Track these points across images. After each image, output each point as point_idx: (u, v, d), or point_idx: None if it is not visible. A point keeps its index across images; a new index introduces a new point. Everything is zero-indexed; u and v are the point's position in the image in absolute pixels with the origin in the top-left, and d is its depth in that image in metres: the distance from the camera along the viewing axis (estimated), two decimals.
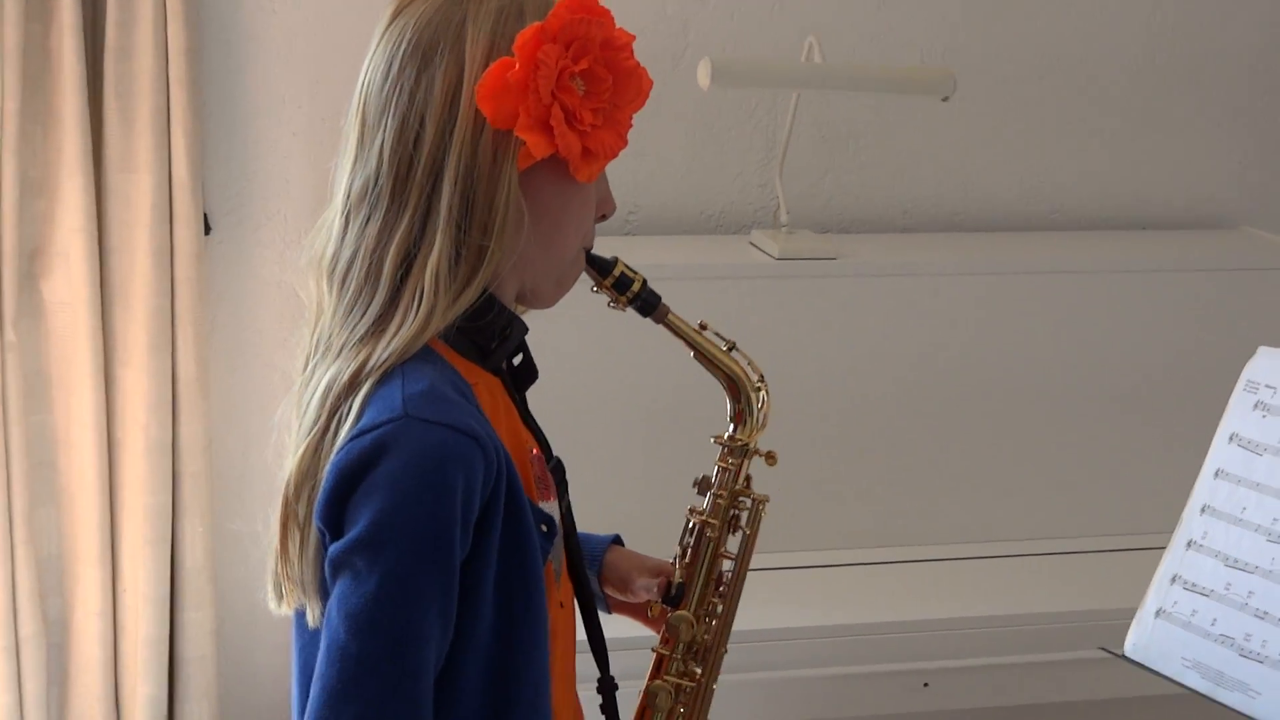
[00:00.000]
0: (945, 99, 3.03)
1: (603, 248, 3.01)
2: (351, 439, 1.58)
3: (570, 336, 2.66)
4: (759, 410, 1.95)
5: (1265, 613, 2.04)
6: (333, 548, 1.58)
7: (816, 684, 2.78)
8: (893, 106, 3.27)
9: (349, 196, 1.67)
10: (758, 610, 2.68)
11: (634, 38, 1.70)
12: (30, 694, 3.02)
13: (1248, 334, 2.24)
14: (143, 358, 3.00)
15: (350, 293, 1.65)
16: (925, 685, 2.78)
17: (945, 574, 2.99)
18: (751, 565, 2.77)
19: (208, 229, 3.04)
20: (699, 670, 1.94)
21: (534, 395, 1.85)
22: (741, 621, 2.63)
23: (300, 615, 1.70)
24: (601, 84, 1.67)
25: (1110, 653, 2.19)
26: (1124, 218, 3.44)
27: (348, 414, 1.61)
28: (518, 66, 1.58)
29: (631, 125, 1.74)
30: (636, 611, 2.02)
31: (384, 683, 1.57)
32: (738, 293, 3.02)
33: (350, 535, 1.56)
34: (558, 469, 1.82)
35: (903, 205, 3.34)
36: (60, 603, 3.06)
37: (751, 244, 3.13)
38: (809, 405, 2.99)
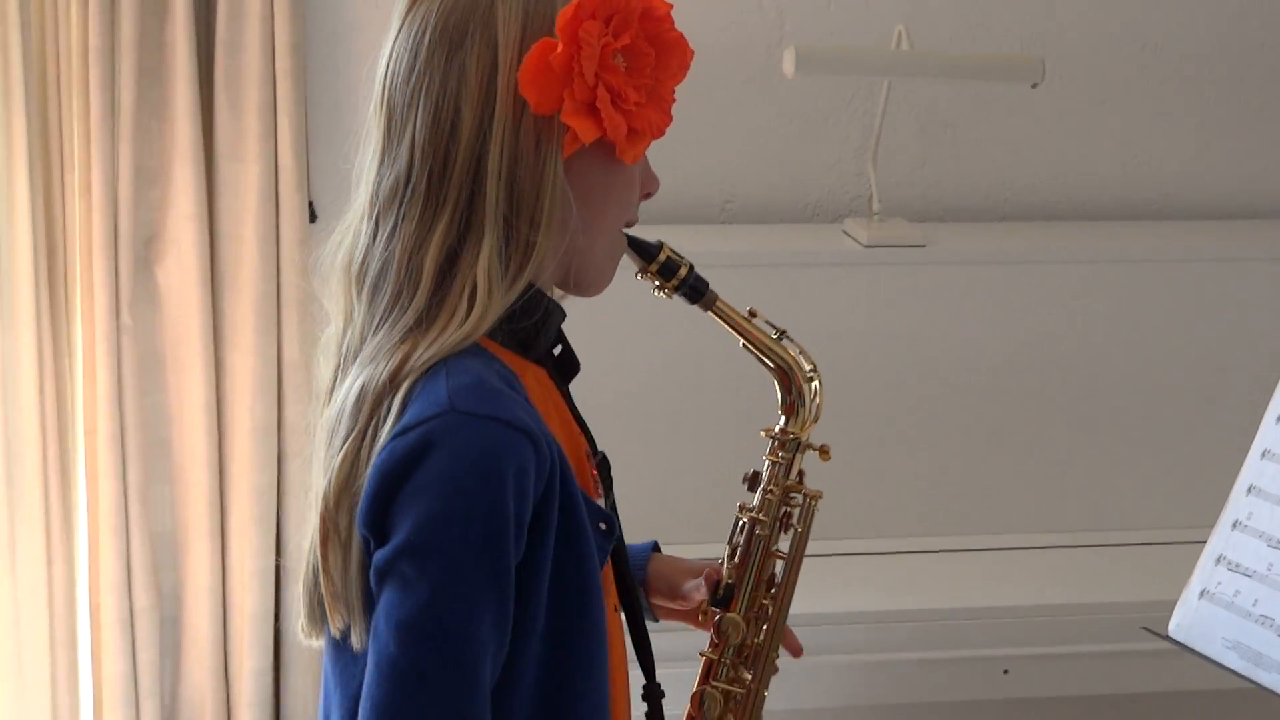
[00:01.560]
0: (1035, 85, 3.02)
1: (699, 236, 3.00)
2: (394, 437, 1.49)
3: (610, 324, 2.61)
4: (811, 402, 1.89)
5: None
6: (377, 555, 1.49)
7: (899, 668, 2.77)
8: (987, 94, 3.26)
9: (377, 197, 1.58)
10: (844, 593, 2.77)
11: (672, 6, 1.61)
12: (144, 664, 3.09)
13: None
14: (250, 341, 3.06)
15: (386, 299, 1.56)
16: (1005, 672, 2.76)
17: (1029, 561, 2.97)
18: (835, 550, 2.81)
19: (313, 217, 3.09)
20: (749, 676, 1.89)
21: (573, 388, 1.79)
22: (828, 605, 2.69)
23: (334, 644, 1.64)
24: (644, 59, 1.59)
25: (1154, 633, 2.16)
26: (1229, 206, 3.37)
27: (388, 414, 1.52)
28: (560, 48, 1.51)
29: (674, 99, 1.65)
30: (687, 615, 1.95)
31: (438, 699, 1.49)
32: (827, 280, 3.02)
33: (396, 540, 1.48)
34: (603, 465, 1.75)
35: (998, 194, 3.32)
36: (173, 577, 3.13)
37: (844, 232, 3.13)
38: (894, 392, 3.01)
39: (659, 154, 2.59)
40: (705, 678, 1.88)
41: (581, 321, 1.77)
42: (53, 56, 2.99)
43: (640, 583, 1.92)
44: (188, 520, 3.11)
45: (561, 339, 1.72)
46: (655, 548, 1.99)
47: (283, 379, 3.10)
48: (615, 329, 2.71)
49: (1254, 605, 2.05)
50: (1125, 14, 3.29)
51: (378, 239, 1.56)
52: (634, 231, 1.75)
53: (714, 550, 1.96)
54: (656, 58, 1.59)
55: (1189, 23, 3.31)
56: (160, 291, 3.06)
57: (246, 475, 3.09)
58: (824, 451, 1.90)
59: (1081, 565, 2.96)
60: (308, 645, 1.68)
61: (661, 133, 1.63)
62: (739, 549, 1.88)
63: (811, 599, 2.62)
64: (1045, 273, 3.11)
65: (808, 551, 2.57)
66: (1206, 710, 3.00)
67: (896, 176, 3.22)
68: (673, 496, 2.13)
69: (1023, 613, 2.79)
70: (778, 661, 1.96)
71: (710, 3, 3.13)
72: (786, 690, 2.56)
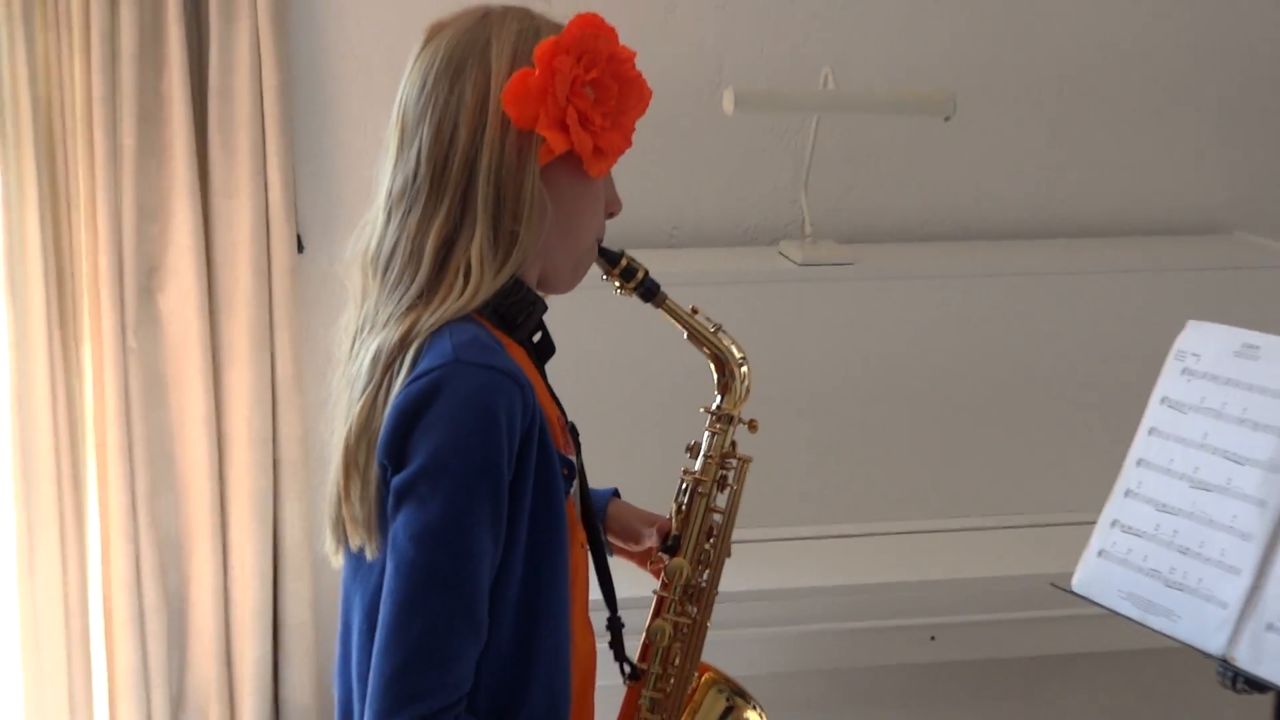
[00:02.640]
0: (947, 118, 3.10)
1: (650, 258, 3.15)
2: (409, 383, 1.68)
3: (584, 324, 2.66)
4: (742, 384, 2.02)
5: (1187, 549, 2.14)
6: (396, 479, 1.67)
7: (840, 636, 2.84)
8: (905, 127, 3.33)
9: (390, 194, 1.77)
10: (786, 572, 2.86)
11: (635, 54, 1.81)
12: (153, 656, 3.15)
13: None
14: (245, 360, 3.11)
15: (394, 274, 1.76)
16: (932, 638, 2.84)
17: (951, 542, 3.03)
18: (783, 535, 2.96)
19: (301, 247, 3.14)
20: (694, 610, 2.01)
21: (554, 374, 1.92)
22: (770, 581, 2.79)
23: (354, 558, 1.79)
24: (609, 91, 1.78)
25: (1060, 588, 2.29)
26: (1122, 224, 3.45)
27: (400, 368, 1.70)
28: (537, 74, 1.70)
29: (634, 129, 1.84)
30: (637, 557, 2.10)
31: (448, 592, 1.66)
32: (766, 297, 3.06)
33: (413, 466, 1.66)
34: (572, 430, 1.91)
35: (917, 216, 3.39)
36: (178, 577, 3.19)
37: (780, 253, 3.19)
38: (826, 394, 3.08)
39: (629, 185, 2.81)
40: (656, 613, 2.00)
41: (560, 320, 1.94)
42: (59, 104, 3.03)
43: (600, 521, 2.07)
44: (191, 524, 3.17)
45: (541, 327, 1.88)
46: (615, 493, 2.13)
47: (276, 394, 3.16)
48: (587, 327, 2.73)
49: (1144, 560, 2.19)
50: (1027, 54, 3.37)
51: (389, 227, 1.77)
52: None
53: (664, 508, 2.07)
54: (619, 91, 1.80)
55: (1083, 62, 3.40)
56: (162, 316, 3.11)
57: (245, 482, 3.15)
58: (752, 425, 2.05)
59: (996, 543, 3.02)
60: (333, 562, 1.84)
61: (621, 153, 1.82)
62: (684, 505, 2.02)
63: (761, 577, 2.78)
64: (959, 286, 3.16)
65: (755, 535, 2.78)
66: (1107, 668, 3.14)
67: (826, 202, 3.27)
68: (629, 463, 2.22)
69: (946, 586, 2.86)
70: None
71: (656, 47, 3.16)
72: (742, 657, 2.64)
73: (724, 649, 2.69)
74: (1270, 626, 2.05)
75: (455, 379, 1.67)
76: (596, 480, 2.05)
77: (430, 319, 1.73)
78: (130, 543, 3.14)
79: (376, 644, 1.67)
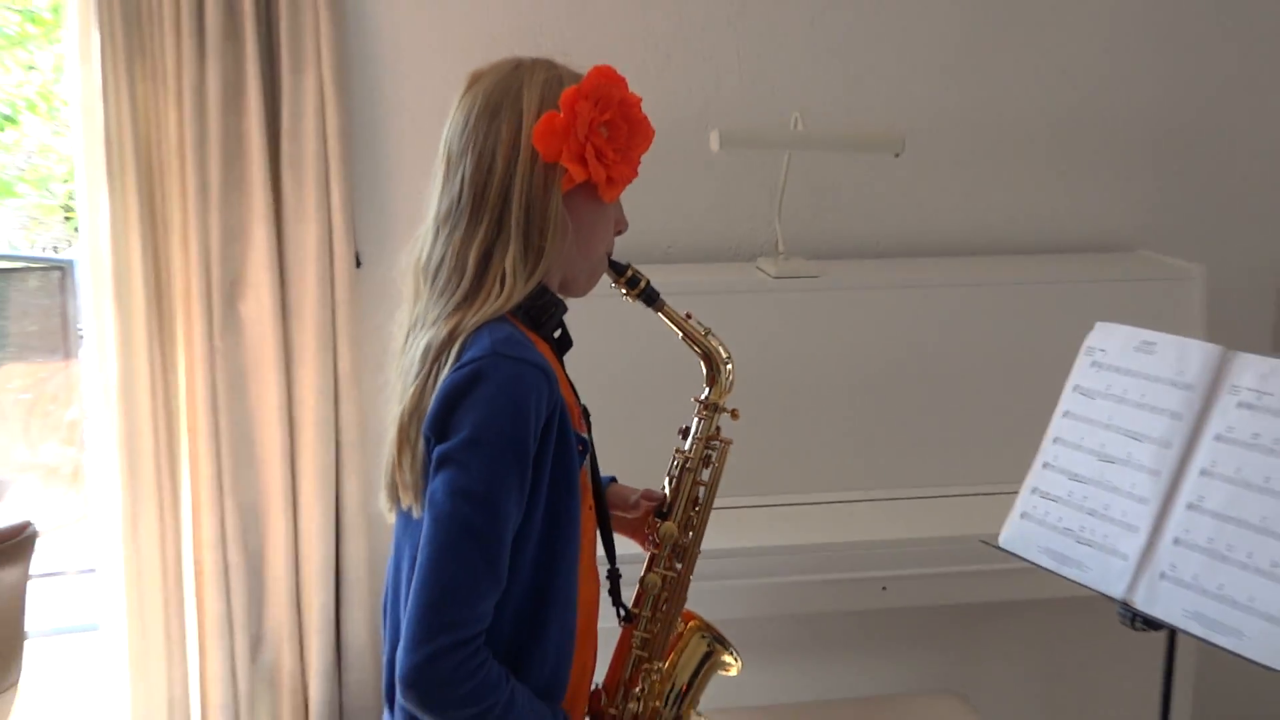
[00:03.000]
0: (897, 155, 3.10)
1: (647, 272, 3.16)
2: (455, 371, 1.72)
3: (599, 327, 2.52)
4: (726, 378, 2.04)
5: (1094, 511, 2.18)
6: (440, 448, 1.71)
7: (803, 587, 2.84)
8: (862, 162, 3.33)
9: (438, 215, 1.80)
10: (761, 533, 2.87)
11: (641, 99, 1.84)
12: (236, 604, 3.17)
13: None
14: (312, 358, 3.12)
15: (441, 281, 1.79)
16: (884, 588, 2.85)
17: (899, 508, 3.03)
18: (759, 503, 2.96)
19: (359, 263, 3.14)
20: (680, 565, 2.03)
21: (573, 368, 1.93)
22: (748, 541, 2.80)
23: (403, 516, 1.83)
24: (620, 131, 1.81)
25: (989, 544, 2.33)
26: (1043, 244, 3.46)
27: (447, 359, 1.74)
28: (561, 116, 1.74)
29: (640, 161, 1.86)
30: (633, 524, 2.10)
31: (478, 543, 1.69)
32: (745, 305, 3.06)
33: (456, 438, 1.69)
34: (585, 413, 1.93)
35: (872, 237, 3.38)
36: (256, 538, 3.19)
37: (757, 268, 3.19)
38: (796, 386, 3.08)
39: (630, 210, 2.82)
40: (649, 568, 2.02)
41: (582, 324, 1.96)
42: (157, 145, 3.03)
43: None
44: (267, 494, 3.18)
45: (561, 326, 1.90)
46: (613, 479, 2.15)
47: (338, 386, 3.16)
48: (603, 331, 2.63)
49: (1059, 521, 2.23)
50: (964, 103, 3.37)
51: (437, 242, 1.80)
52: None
53: (657, 480, 2.10)
54: (629, 131, 1.83)
55: (1010, 109, 3.40)
56: (242, 321, 3.11)
57: (311, 459, 3.15)
58: (734, 414, 2.06)
59: (937, 509, 3.00)
60: (385, 518, 1.88)
61: (629, 181, 1.85)
62: (674, 479, 2.04)
63: (740, 538, 2.79)
64: (907, 295, 3.16)
65: (737, 502, 2.77)
66: (1031, 613, 3.15)
67: (796, 225, 3.25)
68: (633, 442, 2.22)
69: (895, 544, 2.86)
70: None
71: (654, 94, 3.01)
72: (723, 604, 2.63)
73: (708, 598, 2.70)
74: (1163, 575, 2.07)
75: (493, 369, 1.70)
76: (605, 456, 2.04)
77: (473, 319, 1.76)
78: (216, 510, 3.15)
79: (414, 583, 1.70)
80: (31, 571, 2.69)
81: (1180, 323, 3.16)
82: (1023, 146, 3.45)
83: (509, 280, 1.76)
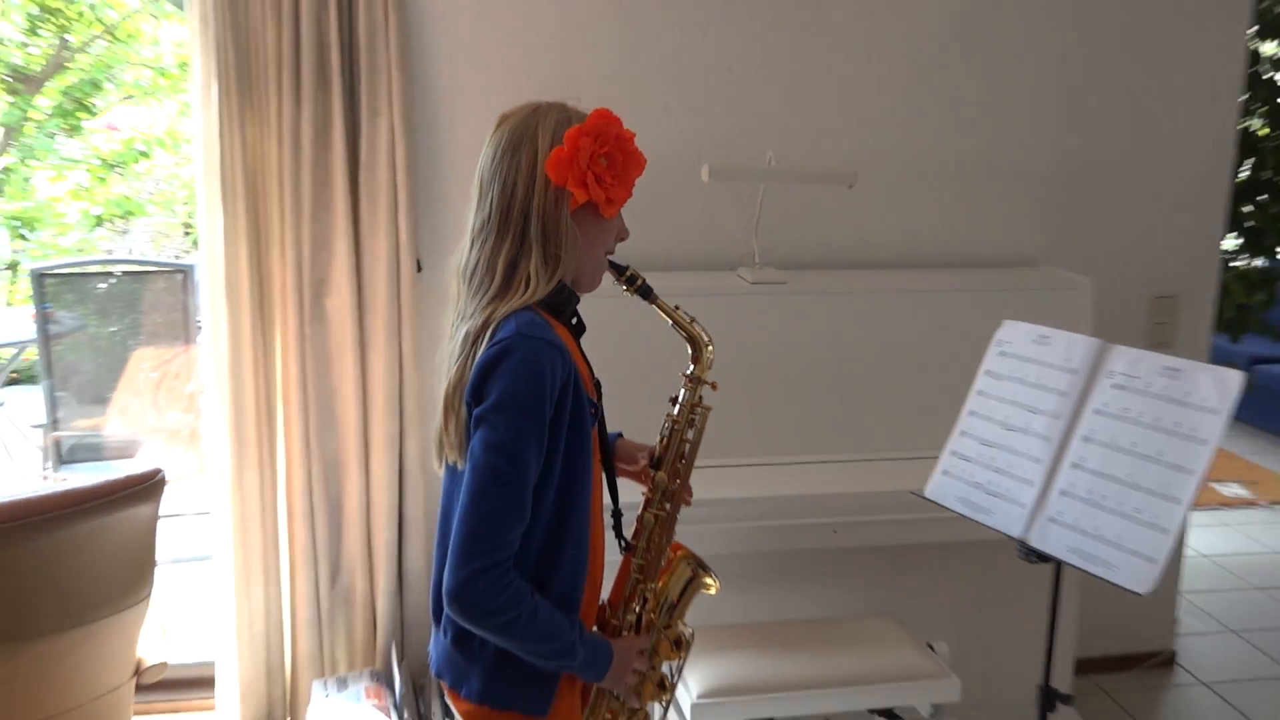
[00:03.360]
0: (850, 186, 3.13)
1: (650, 275, 3.11)
2: (488, 348, 1.71)
3: (610, 320, 2.44)
4: (708, 356, 2.00)
5: (1000, 469, 2.21)
6: (477, 410, 1.71)
7: (772, 530, 2.85)
8: (822, 191, 3.33)
9: (473, 230, 1.80)
10: (737, 486, 2.85)
11: (635, 134, 1.82)
12: (320, 539, 3.20)
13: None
14: (382, 345, 3.13)
15: (476, 282, 1.79)
16: (835, 531, 2.87)
17: (848, 468, 3.02)
18: (737, 462, 2.95)
19: (420, 268, 3.13)
20: (669, 505, 2.00)
21: (591, 351, 1.93)
22: (726, 493, 2.79)
23: (450, 469, 1.83)
24: (616, 160, 1.79)
25: (916, 495, 2.35)
26: (967, 259, 3.46)
27: (483, 342, 1.74)
28: (566, 150, 1.74)
29: (634, 185, 1.84)
30: (635, 474, 2.07)
31: (504, 486, 1.69)
32: (729, 305, 3.06)
33: (488, 402, 1.69)
34: (597, 384, 1.92)
35: (830, 252, 3.38)
36: (336, 487, 3.21)
37: (738, 275, 3.18)
38: (766, 369, 3.08)
39: (638, 228, 2.74)
40: (645, 508, 2.00)
41: (598, 318, 1.96)
42: (261, 174, 3.05)
43: (610, 450, 2.06)
44: (346, 452, 3.19)
45: (576, 314, 1.89)
46: (620, 435, 2.12)
47: (402, 367, 3.16)
48: (613, 322, 2.52)
49: (972, 477, 2.26)
50: (904, 146, 3.36)
51: (472, 252, 1.80)
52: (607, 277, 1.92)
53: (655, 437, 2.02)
54: (624, 160, 1.81)
55: (941, 149, 3.39)
56: (328, 315, 3.13)
57: (380, 426, 3.16)
58: (714, 385, 2.01)
59: (878, 470, 3.00)
60: (436, 471, 1.86)
61: (624, 201, 1.82)
62: (665, 437, 2.01)
63: (721, 489, 2.80)
64: (857, 299, 3.15)
65: (719, 462, 2.75)
66: (954, 553, 3.14)
67: (769, 242, 3.26)
68: (637, 409, 2.18)
69: (844, 497, 2.87)
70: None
71: (656, 135, 3.20)
72: (705, 542, 2.60)
73: (695, 537, 2.69)
74: (1052, 519, 2.10)
75: (518, 346, 1.71)
76: (613, 419, 2.06)
77: (501, 310, 1.76)
78: (304, 464, 3.17)
79: (456, 519, 1.71)
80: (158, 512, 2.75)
81: (1073, 324, 3.06)
82: (949, 180, 3.43)
83: (533, 281, 1.77)
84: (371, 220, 3.10)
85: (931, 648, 2.81)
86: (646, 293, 1.94)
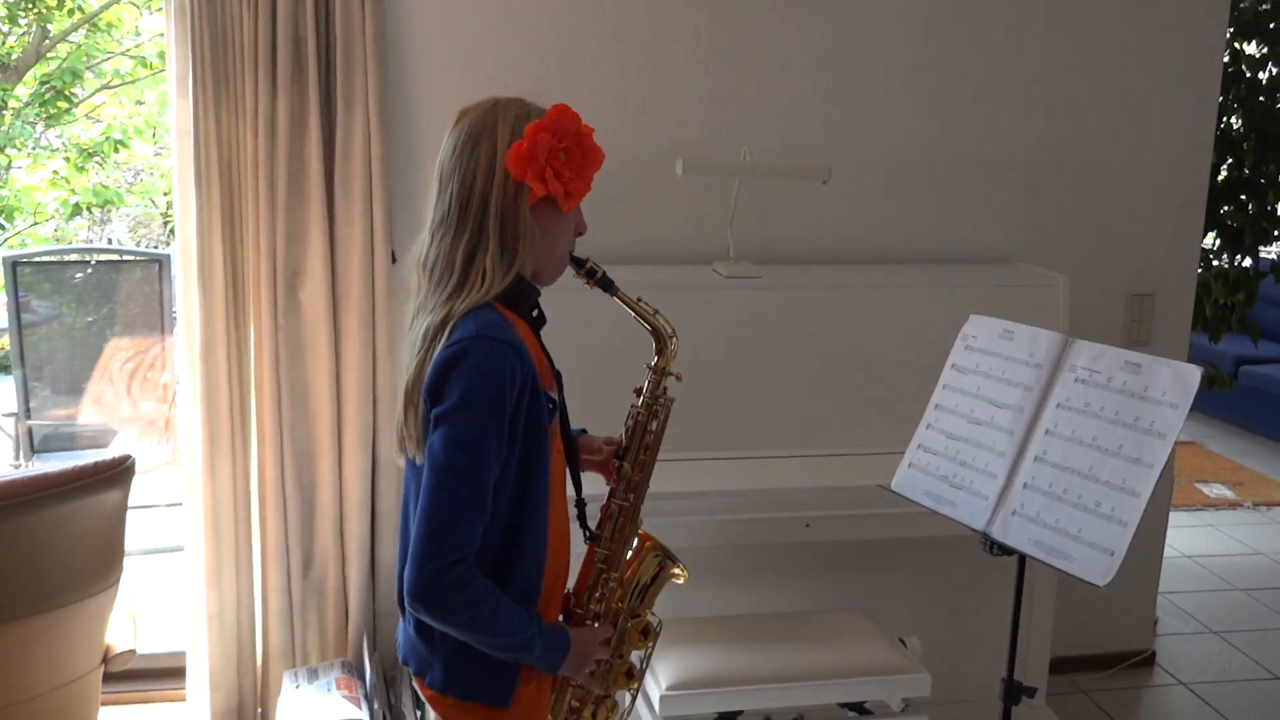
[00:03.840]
0: (825, 181, 3.15)
1: (629, 271, 3.00)
2: (447, 347, 1.72)
3: (575, 314, 2.49)
4: (671, 349, 1.99)
5: (964, 462, 2.23)
6: (436, 410, 1.72)
7: (745, 523, 2.85)
8: (796, 187, 3.33)
9: (433, 223, 1.82)
10: (712, 479, 2.87)
11: (593, 130, 1.82)
12: (291, 530, 3.20)
13: None
14: (356, 335, 3.14)
15: (436, 276, 1.80)
16: (807, 525, 2.87)
17: (820, 463, 3.03)
18: (709, 456, 2.97)
19: (394, 260, 3.14)
20: (632, 496, 2.00)
21: (554, 346, 1.94)
22: (703, 485, 2.81)
23: (410, 463, 1.84)
24: (574, 154, 1.80)
25: (884, 488, 2.38)
26: (940, 254, 3.48)
27: (441, 338, 1.75)
28: (527, 144, 1.75)
29: (592, 179, 1.85)
30: (599, 465, 2.07)
31: (465, 485, 1.70)
32: (701, 299, 3.07)
33: (447, 402, 1.70)
34: (558, 375, 1.94)
35: (802, 247, 3.39)
36: (309, 478, 3.21)
37: (713, 269, 3.19)
38: (740, 361, 3.09)
39: (613, 222, 2.85)
40: (610, 498, 2.00)
41: (562, 312, 1.98)
42: (237, 163, 3.07)
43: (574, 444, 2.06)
44: (318, 443, 3.19)
45: (537, 307, 1.90)
46: (583, 431, 2.12)
47: (376, 357, 3.17)
48: (578, 316, 2.59)
49: (937, 470, 2.28)
50: (878, 140, 3.38)
51: (432, 245, 1.82)
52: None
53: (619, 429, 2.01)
54: (582, 155, 1.82)
55: (916, 145, 3.41)
56: (302, 305, 3.14)
57: (353, 417, 3.17)
58: (678, 376, 2.01)
59: (852, 465, 3.00)
60: (399, 464, 1.87)
61: (583, 195, 1.83)
62: (629, 429, 2.01)
63: (694, 482, 2.83)
64: (830, 294, 3.15)
65: (692, 455, 2.77)
66: (922, 547, 3.16)
67: (745, 237, 3.25)
68: (602, 400, 2.16)
69: (817, 491, 2.87)
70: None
71: (632, 132, 3.24)
72: (679, 535, 2.61)
73: (670, 530, 2.68)
74: (1014, 512, 2.13)
75: (477, 347, 1.73)
76: (578, 412, 2.06)
77: (461, 305, 1.77)
78: (277, 453, 3.18)
79: (417, 518, 1.73)
80: (131, 504, 2.75)
81: (1047, 321, 3.18)
82: (925, 175, 3.45)
83: (489, 275, 1.78)
84: (346, 211, 3.11)
85: (903, 642, 2.82)
86: (607, 285, 1.94)
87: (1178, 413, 1.94)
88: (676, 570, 2.10)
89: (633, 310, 1.98)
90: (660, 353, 2.01)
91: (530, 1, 3.20)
